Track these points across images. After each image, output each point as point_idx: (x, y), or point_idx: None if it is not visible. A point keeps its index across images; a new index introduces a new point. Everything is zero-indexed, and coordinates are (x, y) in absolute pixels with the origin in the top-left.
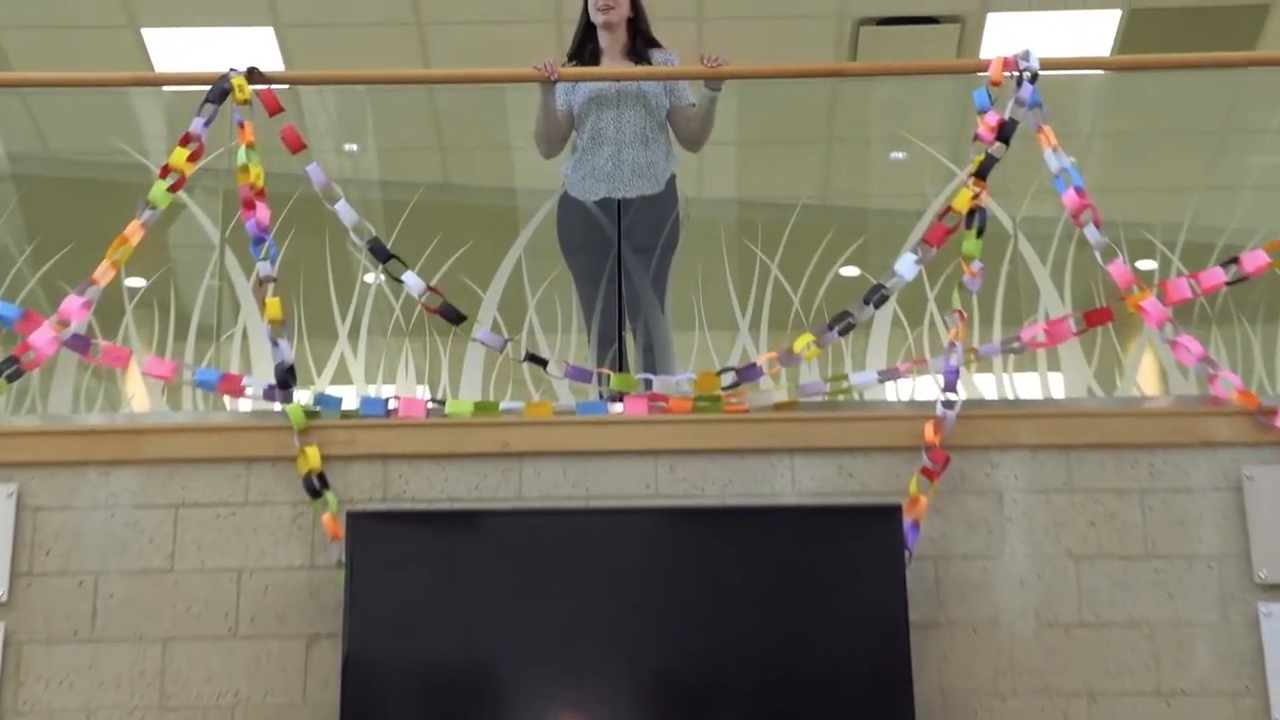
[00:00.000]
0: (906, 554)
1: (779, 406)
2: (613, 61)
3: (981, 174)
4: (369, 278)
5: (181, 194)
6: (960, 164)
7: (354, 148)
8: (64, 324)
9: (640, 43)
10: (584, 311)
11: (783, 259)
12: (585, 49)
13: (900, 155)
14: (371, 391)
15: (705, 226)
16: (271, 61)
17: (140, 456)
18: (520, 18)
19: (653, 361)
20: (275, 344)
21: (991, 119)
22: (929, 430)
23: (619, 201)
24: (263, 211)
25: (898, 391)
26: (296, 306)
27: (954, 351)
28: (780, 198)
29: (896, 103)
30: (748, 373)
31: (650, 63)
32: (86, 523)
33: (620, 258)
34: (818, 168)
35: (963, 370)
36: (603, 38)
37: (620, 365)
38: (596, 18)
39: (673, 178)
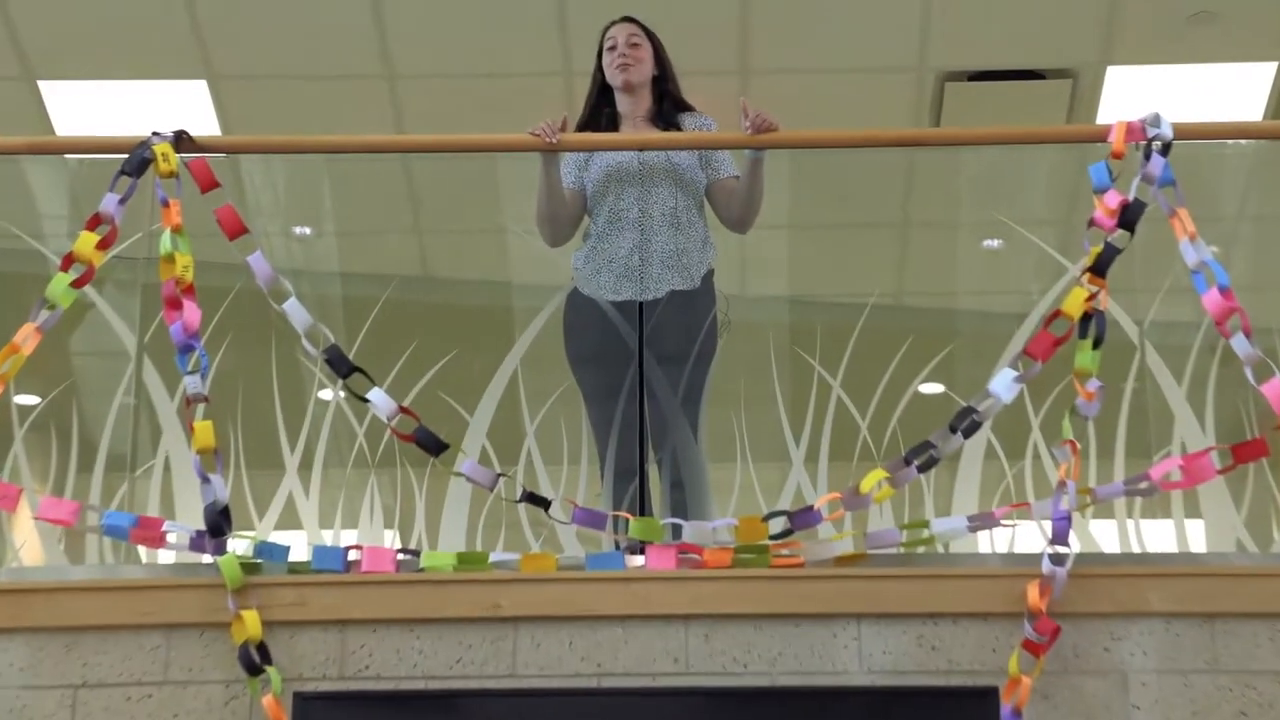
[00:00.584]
0: None
1: (842, 560)
2: (634, 130)
3: (1099, 269)
4: (325, 395)
5: (88, 289)
6: (1072, 256)
7: (308, 231)
8: None
9: (668, 106)
10: (597, 439)
11: (847, 373)
12: (600, 116)
13: (996, 243)
14: (327, 539)
15: (750, 332)
16: (205, 123)
17: (30, 623)
18: (516, 69)
19: (683, 502)
20: (205, 479)
21: (1112, 200)
22: (1033, 592)
23: (642, 302)
24: (191, 312)
25: (993, 543)
26: (233, 432)
27: (1065, 493)
28: (845, 296)
29: (991, 178)
30: (803, 518)
31: (681, 129)
32: None
33: (643, 371)
34: (891, 258)
35: (1076, 517)
36: (621, 101)
37: (642, 507)
38: (614, 77)
39: (710, 271)
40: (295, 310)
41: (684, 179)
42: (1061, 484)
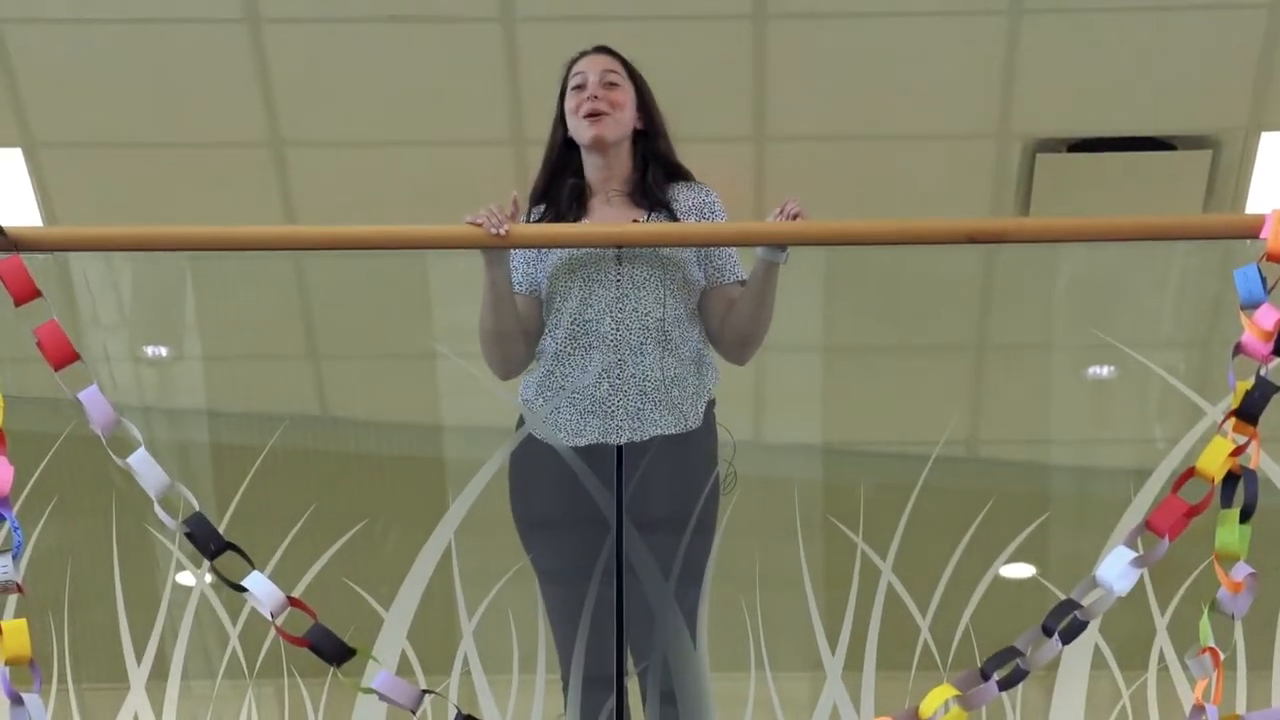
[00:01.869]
0: None
1: None
2: (608, 207)
3: (1249, 412)
4: (186, 580)
5: None
6: (1208, 392)
7: (163, 353)
8: None
9: (655, 174)
10: (557, 637)
11: (902, 551)
12: (562, 187)
13: (1104, 372)
14: None
15: (768, 491)
16: (21, 207)
17: None
18: (449, 136)
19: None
20: (17, 700)
21: (1267, 318)
22: None
23: (619, 448)
24: (0, 469)
25: None
26: (58, 633)
27: (1202, 719)
28: (898, 444)
29: (1099, 284)
30: None
31: (672, 208)
32: None
33: (621, 544)
34: (962, 393)
35: None
36: (591, 165)
37: None
38: (580, 130)
39: (710, 405)
40: (145, 465)
41: (676, 278)
42: (1199, 708)
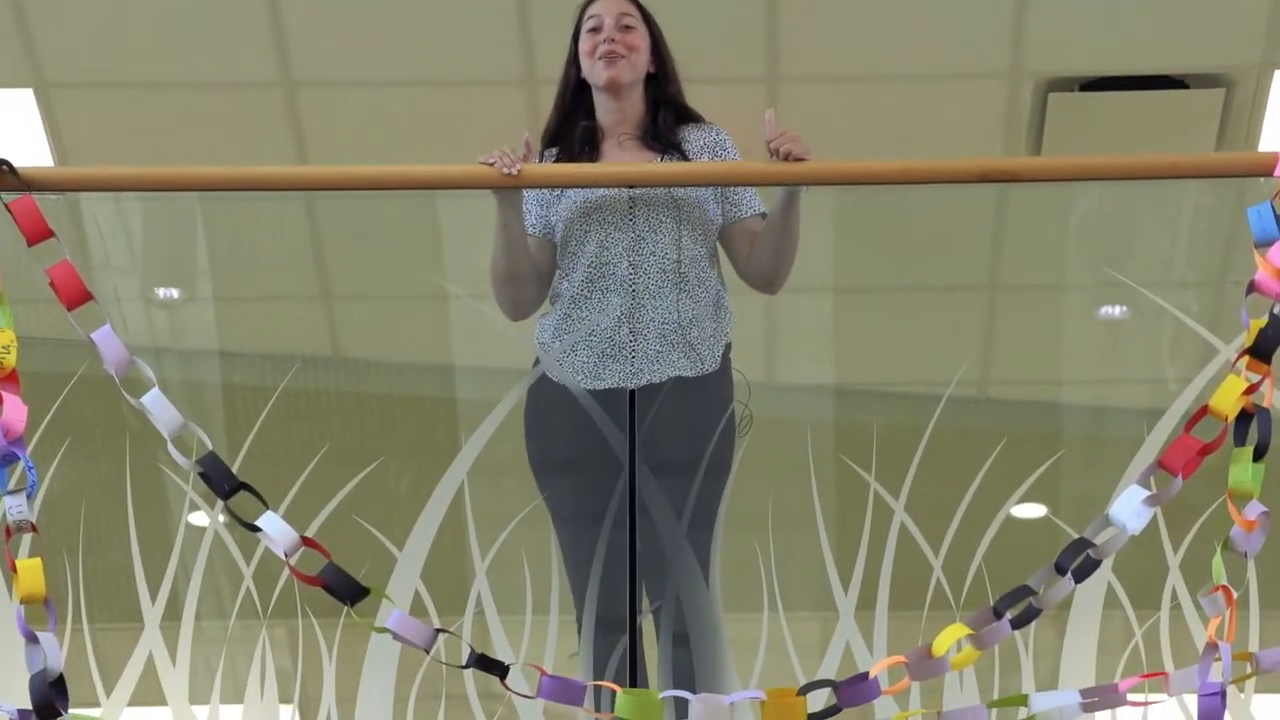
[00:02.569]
0: None
1: None
2: (619, 150)
3: (1262, 350)
4: (199, 520)
5: None
6: (1222, 331)
7: (175, 295)
8: None
9: (666, 117)
10: (571, 579)
11: (914, 491)
12: (574, 129)
13: (1117, 311)
14: None
15: (780, 432)
16: (33, 148)
17: None
18: (461, 76)
19: (690, 666)
20: (32, 639)
21: (1279, 256)
22: None
23: (632, 391)
24: (13, 409)
25: None
26: (72, 573)
27: (1216, 658)
28: (910, 384)
29: (1111, 223)
30: (855, 690)
31: (684, 149)
32: None
33: (634, 486)
34: (974, 333)
35: (1232, 691)
36: (603, 107)
37: (633, 674)
38: (595, 73)
39: (727, 349)
40: (158, 405)
41: (693, 218)
42: (1211, 646)
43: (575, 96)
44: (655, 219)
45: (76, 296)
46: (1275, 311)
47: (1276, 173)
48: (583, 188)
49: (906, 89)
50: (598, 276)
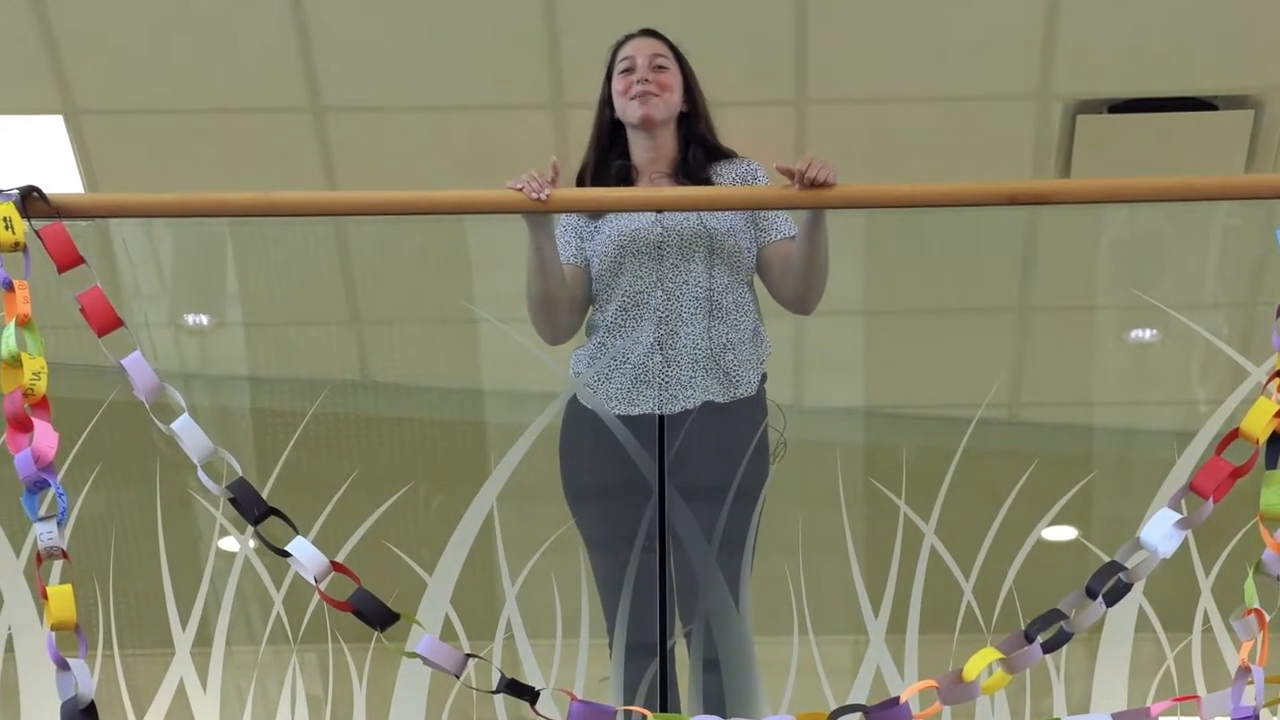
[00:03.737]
0: None
1: None
2: (653, 184)
3: None
4: (230, 546)
5: None
6: (1252, 353)
7: (205, 321)
8: None
9: (696, 154)
10: (604, 603)
11: (945, 514)
12: (609, 167)
13: (1147, 334)
14: None
15: (810, 455)
16: (63, 175)
17: None
18: (488, 100)
19: (720, 689)
20: (63, 665)
21: None
22: None
23: (661, 416)
24: (45, 436)
25: None
26: (103, 600)
27: (1248, 682)
28: (940, 407)
29: (1140, 246)
30: (885, 714)
31: (711, 183)
32: None
33: (664, 511)
34: (1004, 356)
35: (1266, 716)
36: (637, 146)
37: (663, 698)
38: (628, 111)
39: (763, 378)
40: (188, 431)
41: (724, 248)
42: (1244, 669)
43: (610, 136)
44: (687, 248)
45: (107, 323)
46: None
47: None
48: (610, 212)
49: (935, 111)
50: (631, 306)
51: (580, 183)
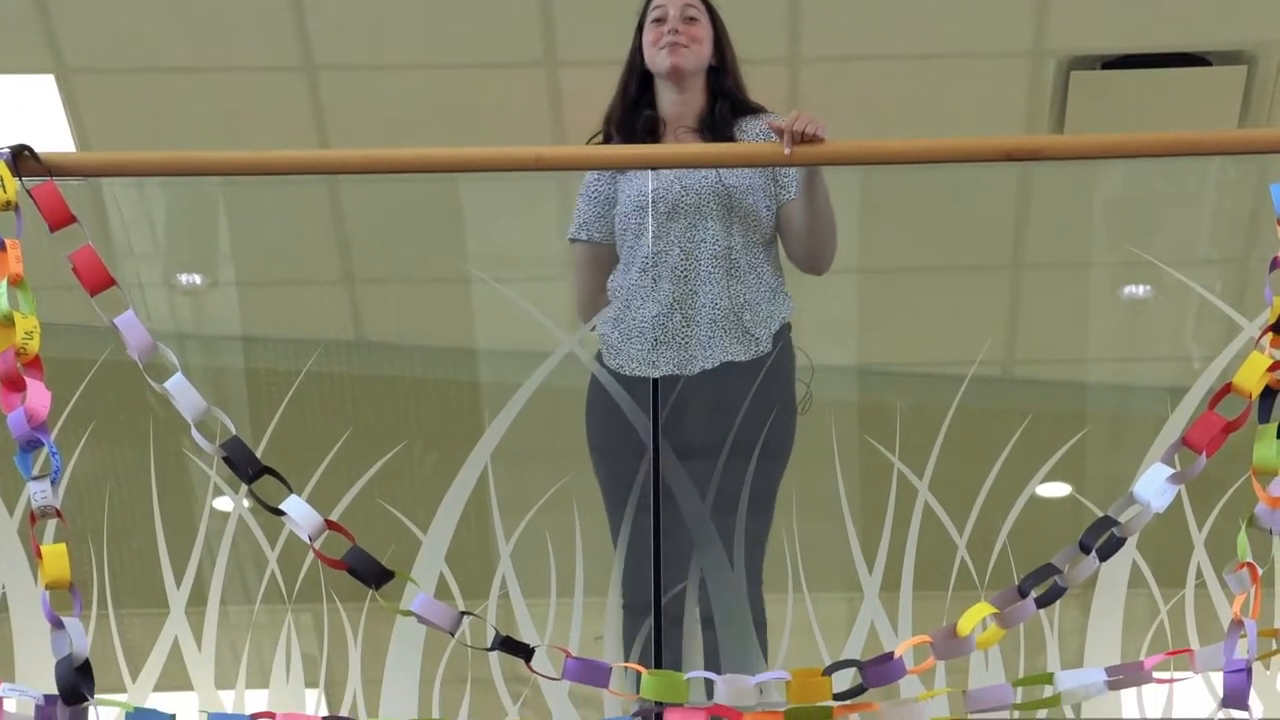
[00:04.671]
0: None
1: None
2: (677, 139)
3: None
4: (224, 505)
5: None
6: (1245, 308)
7: (198, 280)
8: None
9: (722, 108)
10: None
11: (939, 471)
12: (637, 118)
13: (1140, 290)
14: (226, 704)
15: (804, 413)
16: (54, 134)
17: None
18: (481, 58)
19: (715, 646)
20: (58, 624)
21: None
22: None
23: (655, 381)
24: (38, 395)
25: (1141, 704)
26: (96, 558)
27: (1241, 636)
28: (934, 364)
29: (1134, 201)
30: (880, 670)
31: (735, 140)
32: None
33: (658, 467)
34: (998, 313)
35: (1258, 669)
36: (666, 97)
37: (658, 655)
38: (658, 60)
39: (784, 327)
40: (182, 390)
41: (741, 207)
42: (1236, 623)
43: (639, 86)
44: (705, 207)
45: (99, 282)
46: None
47: None
48: (602, 169)
49: (929, 69)
50: (650, 267)
51: (606, 131)
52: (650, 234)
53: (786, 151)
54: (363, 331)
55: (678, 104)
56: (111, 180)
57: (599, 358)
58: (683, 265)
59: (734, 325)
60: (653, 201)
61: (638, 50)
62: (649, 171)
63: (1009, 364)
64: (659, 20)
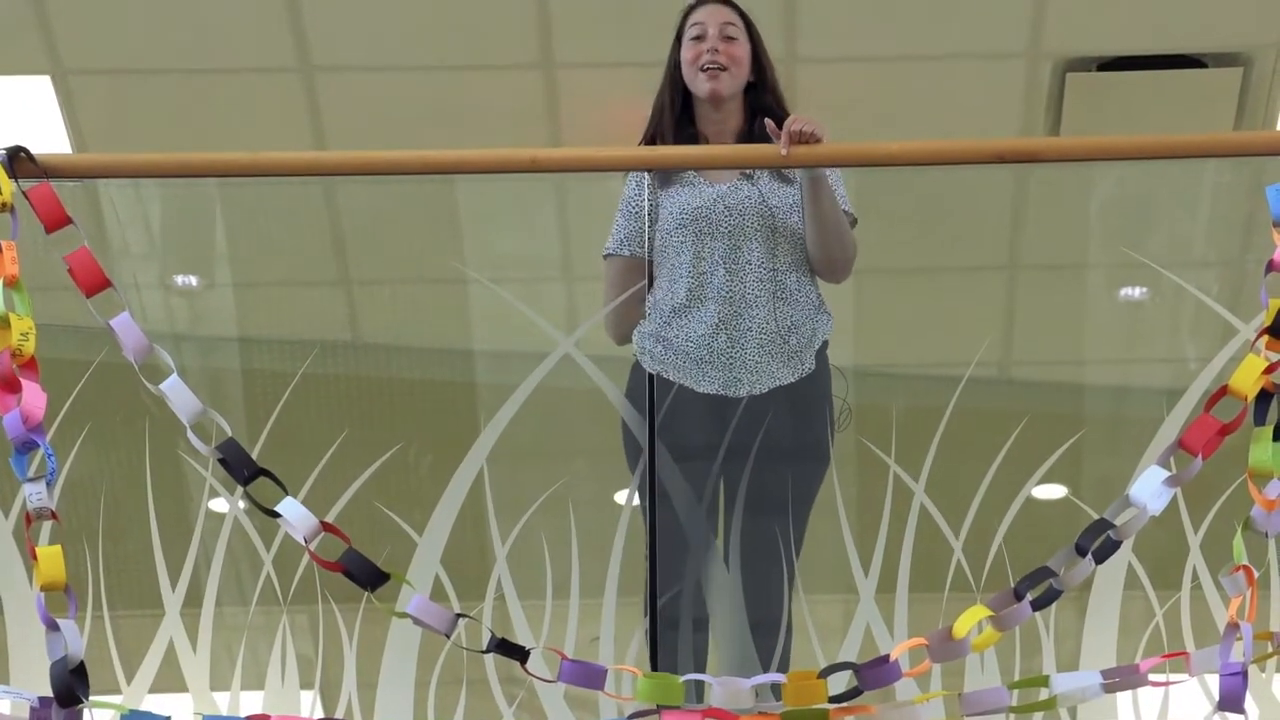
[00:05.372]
0: None
1: None
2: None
3: None
4: (219, 507)
5: None
6: (1241, 310)
7: (194, 282)
8: None
9: (759, 126)
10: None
11: (934, 473)
12: (683, 134)
13: (1137, 292)
14: (222, 706)
15: None
16: (50, 135)
17: None
18: (478, 60)
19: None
20: (53, 626)
21: None
22: None
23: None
24: (34, 396)
25: (1137, 707)
26: (92, 560)
27: (1237, 638)
28: (930, 366)
29: (1131, 203)
30: (875, 672)
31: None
32: None
33: (654, 471)
34: (994, 314)
35: (1254, 671)
36: (704, 116)
37: (653, 655)
38: (698, 83)
39: (824, 346)
40: (177, 391)
41: (785, 227)
42: (1232, 626)
43: (680, 103)
44: (749, 227)
45: (95, 283)
46: None
47: None
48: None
49: (924, 70)
50: (696, 287)
51: (651, 137)
52: (692, 253)
53: (783, 152)
54: (359, 333)
55: (717, 123)
56: (107, 182)
57: (636, 369)
58: (728, 287)
59: (780, 349)
60: (695, 220)
61: (676, 66)
62: (695, 185)
63: (1005, 365)
64: (698, 38)
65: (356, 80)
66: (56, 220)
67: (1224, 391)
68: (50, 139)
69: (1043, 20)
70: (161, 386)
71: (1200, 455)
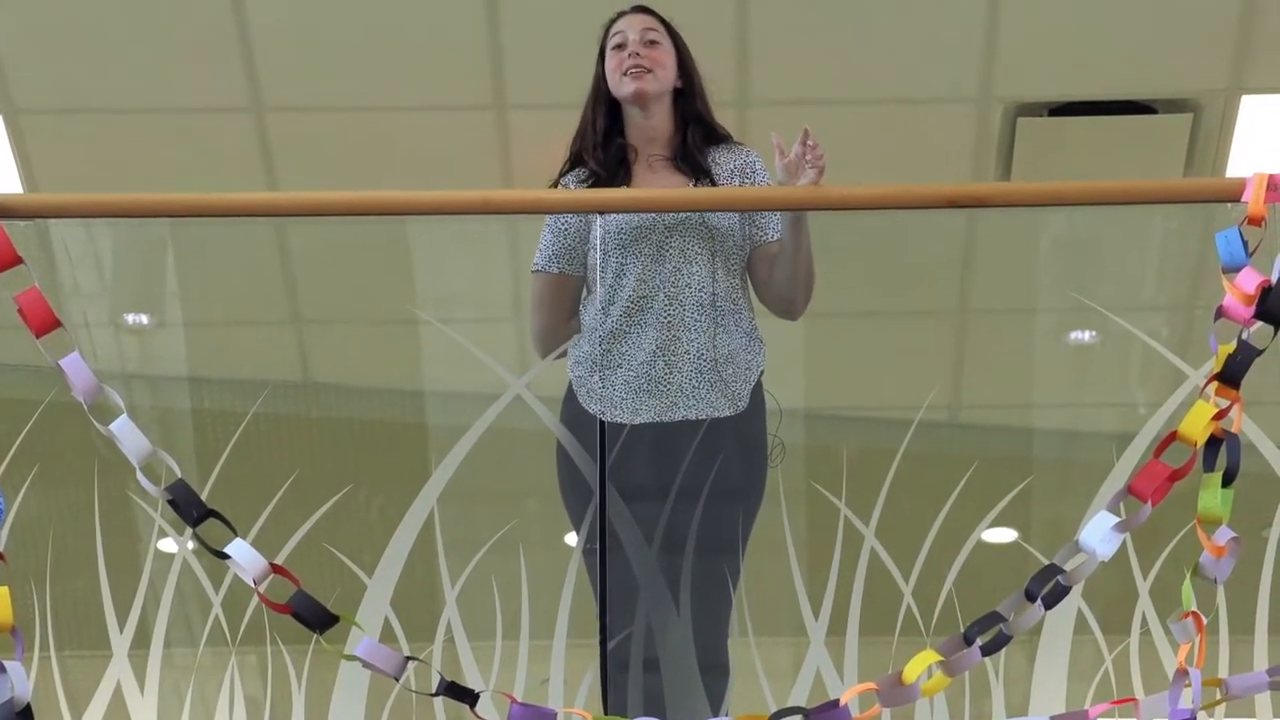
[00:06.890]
0: None
1: None
2: (650, 173)
3: (1231, 376)
4: (168, 547)
5: None
6: (1191, 356)
7: (145, 321)
8: None
9: (694, 136)
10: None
11: (885, 517)
12: (610, 146)
13: (1086, 336)
14: None
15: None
16: (1, 174)
17: None
18: (430, 101)
19: (660, 690)
20: None
21: (1248, 281)
22: None
23: (602, 423)
24: None
25: None
26: (39, 601)
27: (1185, 684)
28: (880, 409)
29: (1079, 249)
30: (825, 716)
31: (713, 174)
32: None
33: (604, 512)
34: (944, 358)
35: (1203, 718)
36: (633, 125)
37: (606, 699)
38: (621, 86)
39: (759, 384)
40: (127, 432)
41: (724, 249)
42: (1181, 672)
43: (608, 115)
44: (691, 250)
45: (45, 323)
46: (1243, 337)
47: (1244, 198)
48: (548, 213)
49: (875, 114)
50: (634, 310)
51: (574, 156)
52: (634, 276)
53: (786, 156)
54: (310, 373)
55: (646, 130)
56: (59, 221)
57: (570, 397)
58: (667, 311)
59: (716, 379)
60: (635, 242)
61: (601, 79)
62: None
63: (955, 409)
64: (619, 46)
65: (309, 120)
66: (7, 260)
67: (1173, 437)
68: (1, 178)
69: (994, 65)
70: (111, 427)
71: (1150, 501)
